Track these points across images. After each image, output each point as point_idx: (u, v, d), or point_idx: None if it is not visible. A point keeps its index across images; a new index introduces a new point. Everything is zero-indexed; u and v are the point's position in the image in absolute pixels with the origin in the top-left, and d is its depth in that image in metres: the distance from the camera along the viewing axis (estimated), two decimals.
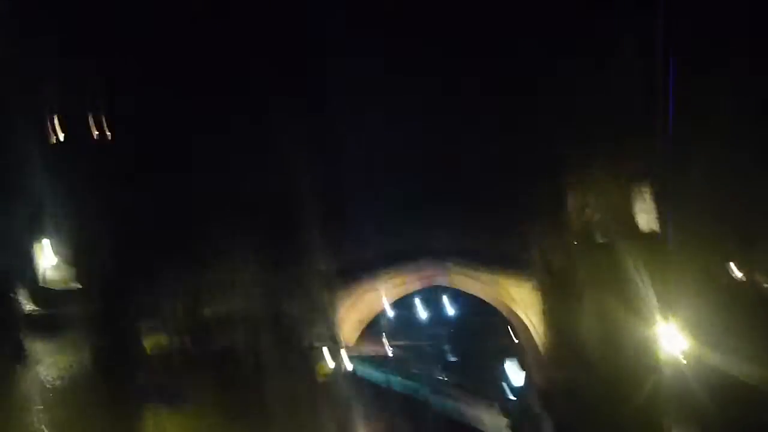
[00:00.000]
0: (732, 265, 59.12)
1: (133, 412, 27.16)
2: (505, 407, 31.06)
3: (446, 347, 67.18)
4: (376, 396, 42.01)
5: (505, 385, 47.45)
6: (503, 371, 52.94)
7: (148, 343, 31.78)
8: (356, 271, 55.16)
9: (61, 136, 47.47)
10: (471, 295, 63.03)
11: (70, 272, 36.87)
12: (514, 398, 34.80)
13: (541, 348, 57.08)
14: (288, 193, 50.16)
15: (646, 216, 61.18)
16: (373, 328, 61.83)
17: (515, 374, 45.89)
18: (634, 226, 60.51)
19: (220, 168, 49.19)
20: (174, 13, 52.29)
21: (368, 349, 58.56)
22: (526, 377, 45.79)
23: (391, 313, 71.44)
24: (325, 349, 40.08)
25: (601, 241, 61.14)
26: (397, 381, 41.95)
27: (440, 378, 44.64)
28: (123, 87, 49.42)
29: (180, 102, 50.38)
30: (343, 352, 46.18)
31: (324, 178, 54.54)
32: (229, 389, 29.65)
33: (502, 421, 29.90)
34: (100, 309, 32.69)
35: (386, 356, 60.05)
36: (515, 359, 48.05)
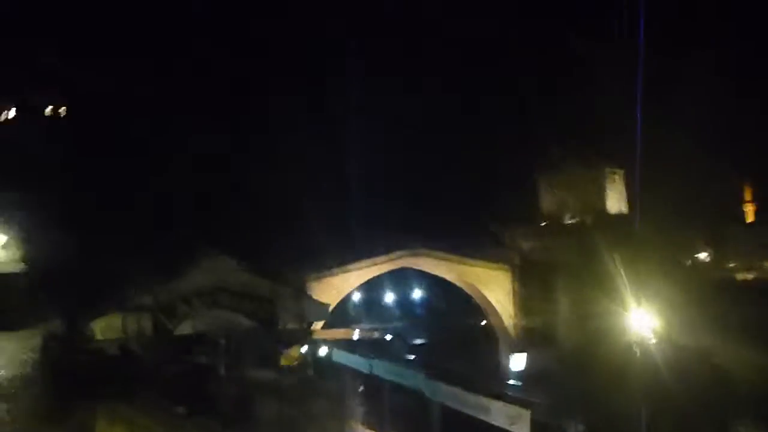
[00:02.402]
0: (697, 247, 58.12)
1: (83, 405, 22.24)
2: (518, 397, 25.89)
3: (416, 330, 63.58)
4: (359, 382, 37.28)
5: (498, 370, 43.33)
6: (494, 355, 49.34)
7: (102, 330, 26.40)
8: (328, 261, 51.39)
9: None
10: (437, 280, 59.88)
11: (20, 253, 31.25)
12: (517, 383, 29.82)
13: (511, 329, 54.02)
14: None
15: (615, 199, 59.35)
16: (340, 312, 57.93)
17: (516, 360, 41.22)
18: (603, 208, 58.54)
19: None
20: None
21: (337, 333, 54.46)
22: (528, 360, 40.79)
23: (359, 296, 67.90)
24: (296, 332, 35.12)
25: (569, 221, 59.01)
26: (381, 366, 36.73)
27: (431, 363, 39.39)
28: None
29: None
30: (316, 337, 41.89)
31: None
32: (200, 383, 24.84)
33: (515, 411, 24.54)
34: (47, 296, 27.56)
35: (356, 339, 55.92)
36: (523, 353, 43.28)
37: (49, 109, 50.21)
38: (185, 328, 25.17)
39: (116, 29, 52.96)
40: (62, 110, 47.97)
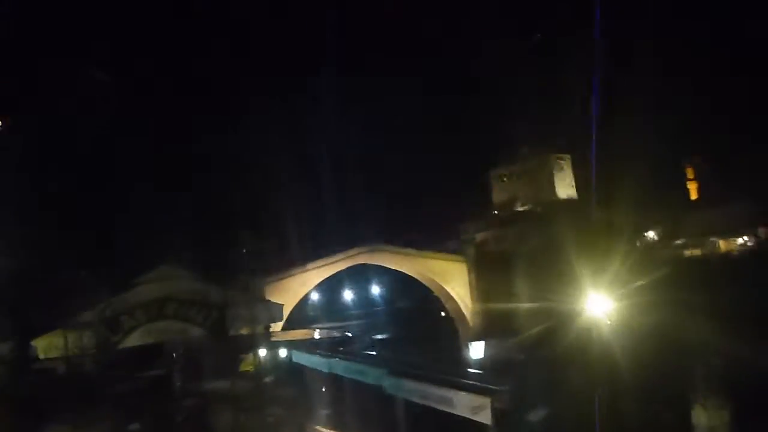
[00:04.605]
0: (646, 227, 58.56)
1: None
2: (479, 385, 25.08)
3: (377, 326, 62.72)
4: (321, 383, 36.35)
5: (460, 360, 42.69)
6: (455, 346, 49.02)
7: (44, 349, 24.95)
8: (285, 263, 50.13)
9: None
10: (397, 275, 59.35)
11: None
12: (478, 371, 29.29)
13: (471, 320, 53.66)
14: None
15: (564, 185, 59.41)
16: (299, 313, 56.84)
17: (474, 348, 40.22)
18: (553, 194, 58.58)
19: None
20: None
21: (297, 334, 53.31)
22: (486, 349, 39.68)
23: (317, 296, 66.80)
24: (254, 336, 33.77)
25: (520, 209, 58.93)
26: (340, 364, 35.76)
27: (392, 357, 38.53)
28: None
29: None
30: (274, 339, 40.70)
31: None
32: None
33: (477, 400, 23.83)
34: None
35: (316, 339, 54.86)
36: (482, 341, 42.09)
37: None
38: (131, 342, 23.88)
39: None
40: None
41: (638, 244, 56.56)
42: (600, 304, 34.21)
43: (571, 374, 31.42)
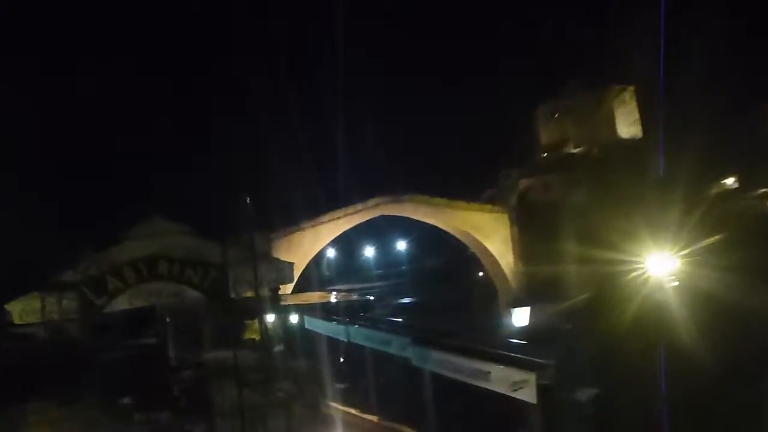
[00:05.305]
0: (723, 173, 57.58)
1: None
2: (521, 358, 25.04)
3: (403, 288, 63.29)
4: (339, 353, 36.90)
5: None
6: (493, 311, 49.20)
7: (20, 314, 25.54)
8: (295, 215, 50.44)
9: None
10: (427, 230, 59.49)
11: None
12: (519, 342, 29.34)
13: (511, 281, 53.75)
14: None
15: (626, 122, 58.36)
16: (313, 274, 57.47)
17: (517, 315, 39.74)
18: (613, 133, 57.62)
19: None
20: None
21: (310, 297, 53.97)
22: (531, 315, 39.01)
23: (333, 254, 67.33)
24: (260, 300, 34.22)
25: (573, 150, 58.07)
26: (360, 332, 36.07)
27: (419, 325, 38.68)
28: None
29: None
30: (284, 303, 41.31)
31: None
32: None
33: (519, 375, 23.73)
34: None
35: (333, 303, 55.44)
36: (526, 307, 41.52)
37: None
38: (118, 306, 24.27)
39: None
40: None
41: (712, 193, 55.84)
42: (663, 265, 34.02)
43: (628, 347, 31.46)
